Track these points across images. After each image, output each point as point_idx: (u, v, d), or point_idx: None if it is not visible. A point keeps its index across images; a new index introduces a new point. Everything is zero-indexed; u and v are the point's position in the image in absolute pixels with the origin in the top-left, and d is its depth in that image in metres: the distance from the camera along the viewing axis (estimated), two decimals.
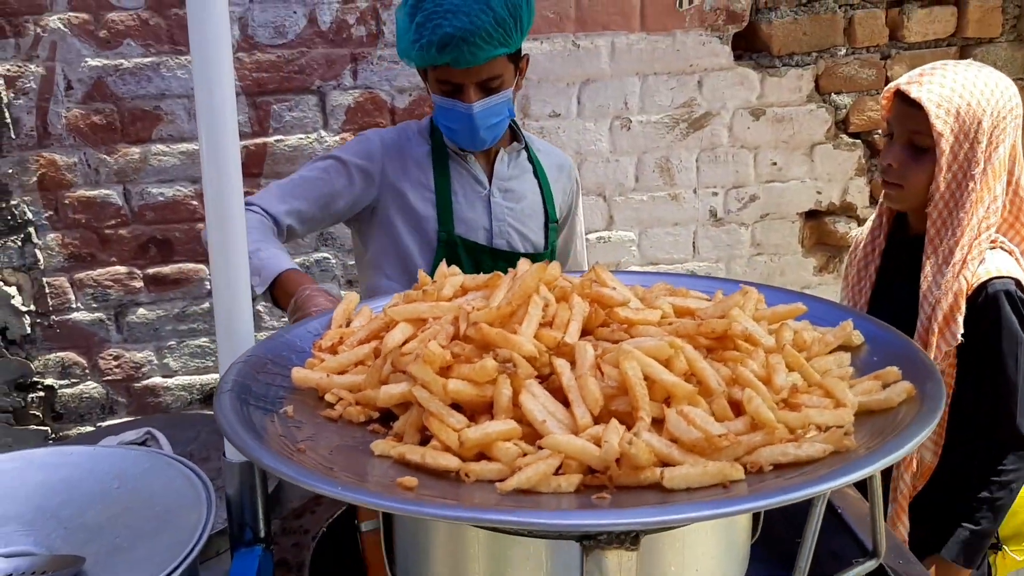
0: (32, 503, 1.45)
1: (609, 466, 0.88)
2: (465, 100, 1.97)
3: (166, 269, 3.01)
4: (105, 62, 2.80)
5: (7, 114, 2.77)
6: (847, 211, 3.27)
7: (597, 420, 0.94)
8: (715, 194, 3.21)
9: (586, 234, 3.16)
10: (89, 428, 3.09)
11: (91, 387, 3.06)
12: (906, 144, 1.79)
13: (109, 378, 3.07)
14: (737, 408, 0.96)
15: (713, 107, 3.12)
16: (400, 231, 2.13)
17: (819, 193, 3.24)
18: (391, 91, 2.98)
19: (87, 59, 2.78)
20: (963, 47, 3.13)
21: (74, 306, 2.98)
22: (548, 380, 1.01)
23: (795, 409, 0.96)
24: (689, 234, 3.23)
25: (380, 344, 1.16)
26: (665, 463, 0.89)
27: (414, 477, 0.90)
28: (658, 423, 0.93)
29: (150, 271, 3.00)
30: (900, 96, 1.79)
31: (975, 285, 1.76)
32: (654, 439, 0.90)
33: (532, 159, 2.22)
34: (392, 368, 1.09)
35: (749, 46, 3.12)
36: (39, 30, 2.73)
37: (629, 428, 0.92)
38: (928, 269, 1.81)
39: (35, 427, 3.05)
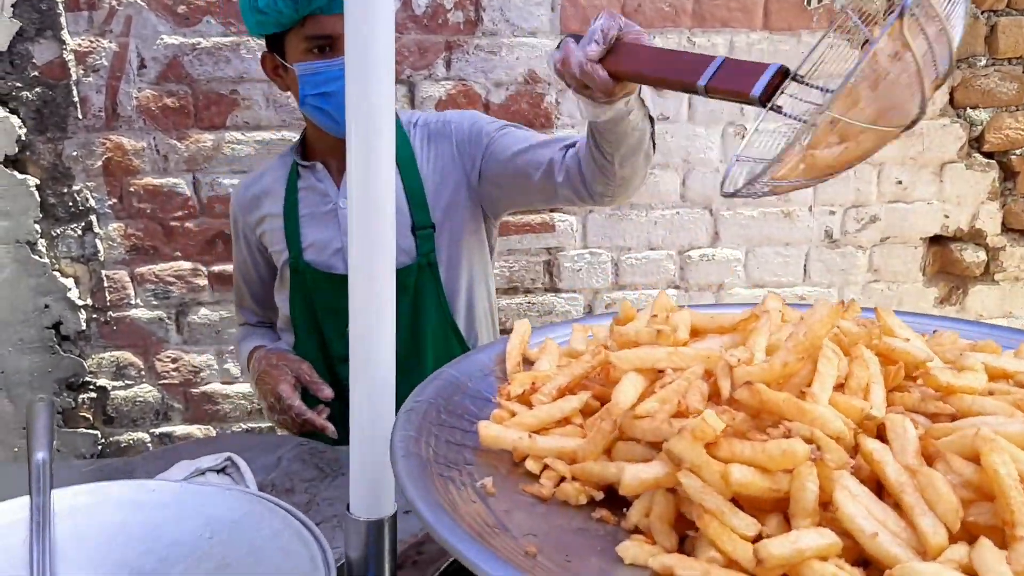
0: (109, 552, 1.20)
1: None
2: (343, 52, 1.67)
3: (232, 267, 2.76)
4: (182, 40, 2.56)
5: (75, 92, 2.54)
6: (976, 238, 2.97)
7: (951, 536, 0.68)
8: (832, 213, 2.92)
9: (688, 251, 2.92)
10: (142, 434, 2.85)
11: (146, 390, 2.82)
12: None
13: (165, 381, 2.83)
14: None
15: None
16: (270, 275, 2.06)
17: (947, 217, 2.95)
18: (487, 84, 2.72)
19: (163, 36, 2.54)
20: None
21: (133, 303, 2.74)
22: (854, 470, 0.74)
23: None
24: (801, 255, 2.95)
25: (592, 397, 0.90)
26: None
27: None
28: None
29: (216, 268, 2.76)
30: None
31: None
32: None
33: (397, 152, 1.79)
34: (620, 434, 0.82)
35: None
36: (114, 2, 2.50)
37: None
38: None
39: (84, 430, 2.81)
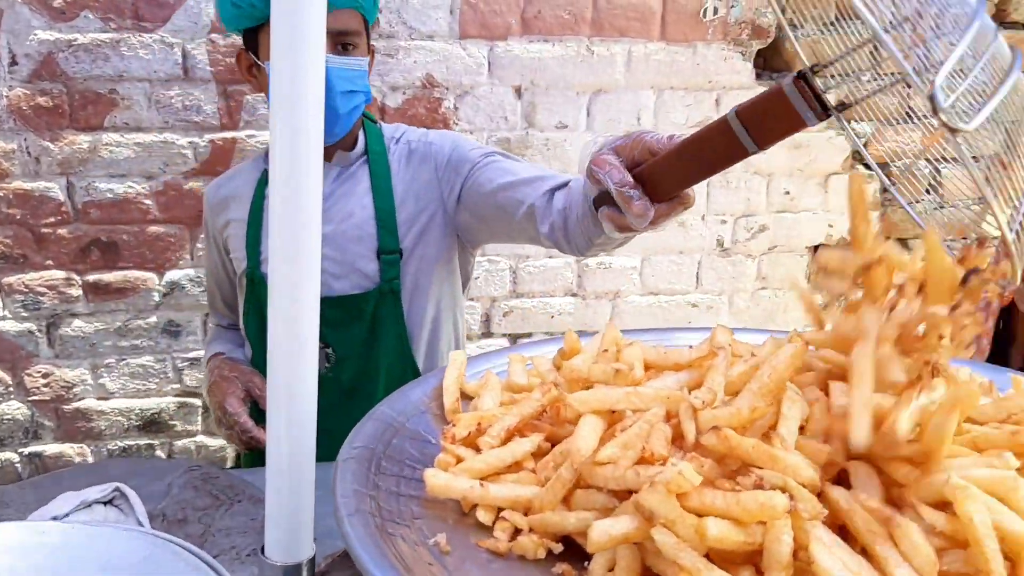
0: None
1: None
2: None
3: (109, 276, 2.60)
4: (57, 36, 2.37)
5: None
6: None
7: None
8: (723, 222, 2.98)
9: (586, 259, 2.91)
10: (10, 454, 2.65)
11: (14, 407, 2.62)
12: None
13: (35, 398, 2.63)
14: None
15: None
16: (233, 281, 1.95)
17: (830, 226, 3.05)
18: (383, 87, 2.64)
19: (37, 31, 2.36)
20: None
21: (0, 314, 2.54)
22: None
23: None
24: (694, 263, 2.99)
25: (544, 439, 0.85)
26: None
27: None
28: None
29: (91, 278, 2.58)
30: None
31: None
32: None
33: (374, 168, 1.78)
34: (579, 483, 0.78)
35: (768, 64, 2.90)
36: None
37: None
38: None
39: None
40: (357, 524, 0.71)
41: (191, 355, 2.72)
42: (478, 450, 0.86)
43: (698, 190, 2.99)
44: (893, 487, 0.74)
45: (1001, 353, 1.71)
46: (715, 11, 2.77)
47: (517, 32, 2.67)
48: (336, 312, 1.75)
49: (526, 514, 0.79)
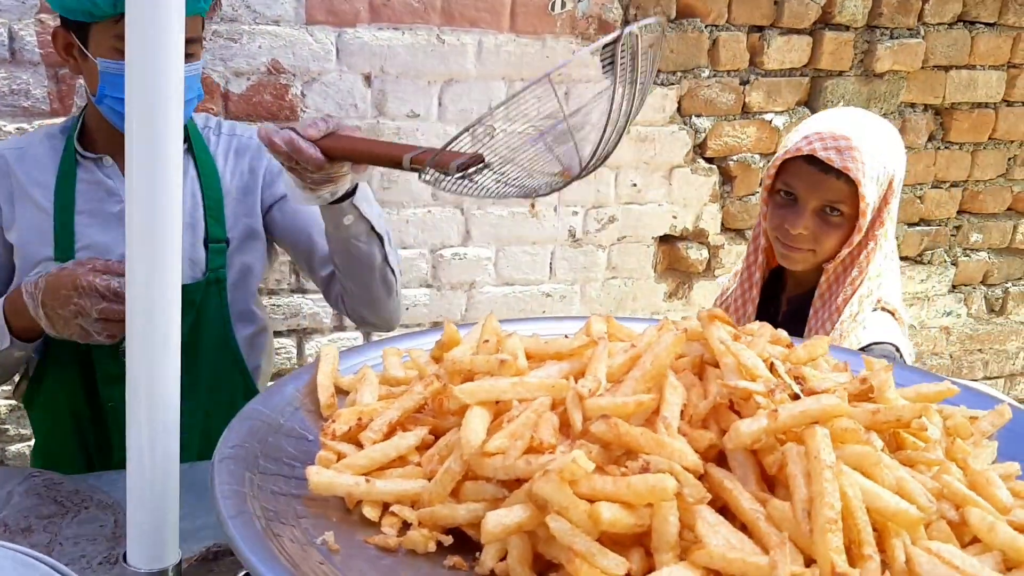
0: None
1: None
2: None
3: None
4: None
5: None
6: (699, 237, 3.21)
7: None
8: (575, 213, 3.03)
9: (440, 250, 2.90)
10: None
11: None
12: (818, 210, 1.66)
13: None
14: None
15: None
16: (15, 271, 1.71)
17: (675, 217, 3.15)
18: (225, 73, 2.54)
19: None
20: (814, 78, 3.16)
21: None
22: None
23: None
24: (547, 254, 3.04)
25: (428, 432, 0.84)
26: None
27: None
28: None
29: None
30: (811, 160, 1.64)
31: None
32: None
33: (195, 155, 1.75)
34: (468, 475, 0.78)
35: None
36: None
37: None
38: (813, 323, 1.72)
39: None
40: (242, 525, 0.68)
41: None
42: (360, 446, 0.84)
43: None
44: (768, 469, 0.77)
45: (774, 298, 1.85)
46: (563, 5, 2.81)
47: (366, 19, 2.63)
48: None
49: (414, 508, 0.78)
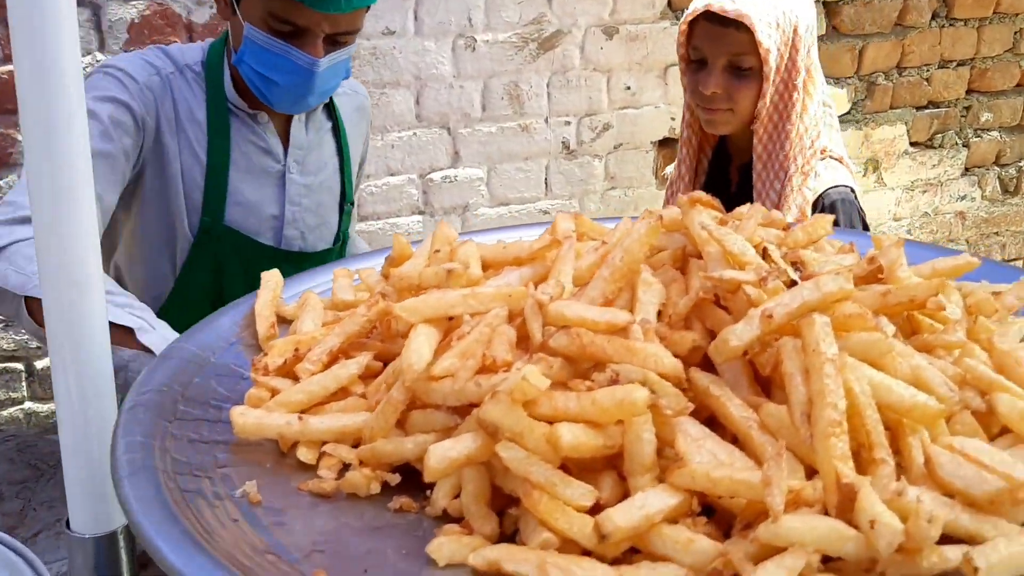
0: None
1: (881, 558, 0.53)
2: (312, 52, 1.44)
3: None
4: None
5: None
6: None
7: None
8: (567, 123, 2.89)
9: (429, 174, 2.78)
10: None
11: None
12: (727, 67, 1.62)
13: None
14: None
15: (564, 24, 2.78)
16: (155, 213, 1.56)
17: (673, 119, 3.00)
18: (187, 2, 2.39)
19: None
20: None
21: None
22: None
23: None
24: (541, 169, 2.90)
25: (375, 358, 0.74)
26: (949, 536, 0.55)
27: None
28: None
29: None
30: (710, 17, 1.60)
31: (811, 200, 1.69)
32: (929, 499, 0.55)
33: (333, 110, 1.72)
34: (414, 402, 0.67)
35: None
36: None
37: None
38: (759, 185, 1.70)
39: None
40: (140, 485, 0.58)
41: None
42: (297, 379, 0.73)
43: (537, 91, 2.92)
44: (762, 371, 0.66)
45: (724, 176, 1.80)
46: None
47: None
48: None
49: (355, 446, 0.68)
